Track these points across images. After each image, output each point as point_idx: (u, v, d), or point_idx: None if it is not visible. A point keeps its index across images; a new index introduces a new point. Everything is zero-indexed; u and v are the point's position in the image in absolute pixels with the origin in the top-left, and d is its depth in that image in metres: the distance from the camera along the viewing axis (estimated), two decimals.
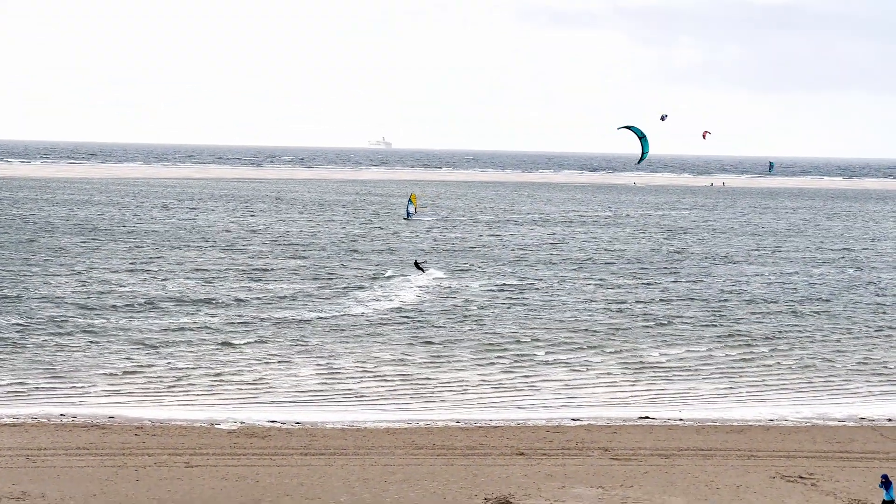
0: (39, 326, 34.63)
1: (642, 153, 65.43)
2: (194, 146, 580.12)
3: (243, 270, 53.58)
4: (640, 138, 63.68)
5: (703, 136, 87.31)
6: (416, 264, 55.24)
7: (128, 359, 30.11)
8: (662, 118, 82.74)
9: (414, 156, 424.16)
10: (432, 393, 27.66)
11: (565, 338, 35.57)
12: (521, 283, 51.21)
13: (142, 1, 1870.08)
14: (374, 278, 51.90)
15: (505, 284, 50.45)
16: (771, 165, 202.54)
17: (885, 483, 15.51)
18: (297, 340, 33.85)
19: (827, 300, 47.15)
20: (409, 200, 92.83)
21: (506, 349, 33.36)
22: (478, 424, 23.32)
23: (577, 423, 23.70)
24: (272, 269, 54.27)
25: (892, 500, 15.36)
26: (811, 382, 29.91)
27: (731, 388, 28.92)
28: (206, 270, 53.03)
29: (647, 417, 24.35)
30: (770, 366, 32.00)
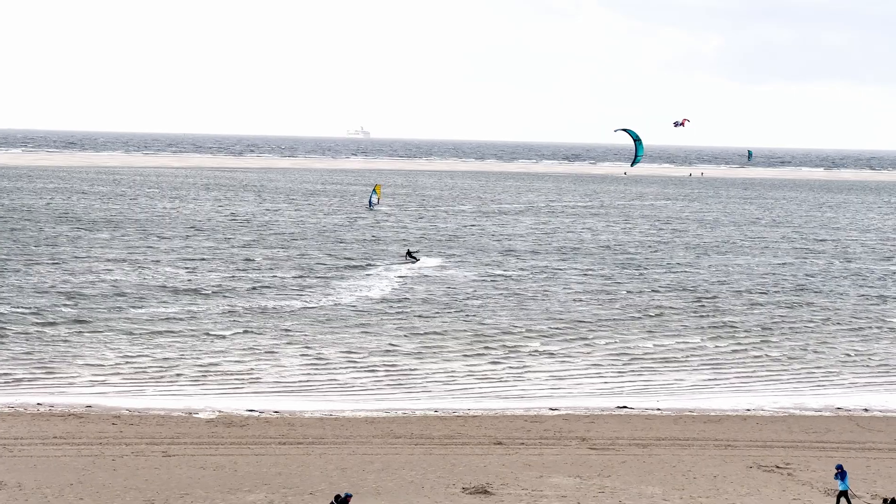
0: (23, 316, 34.31)
1: (636, 155, 65.83)
2: (174, 135, 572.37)
3: (228, 260, 53.23)
4: (634, 141, 64.01)
5: (683, 124, 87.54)
6: (409, 253, 55.37)
7: (110, 348, 29.98)
8: (675, 125, 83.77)
9: (393, 145, 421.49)
10: (413, 382, 27.71)
11: (552, 328, 35.73)
12: (509, 272, 51.36)
13: None
14: (361, 268, 51.80)
15: (493, 274, 50.57)
16: (749, 154, 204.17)
17: (840, 473, 15.71)
18: (282, 330, 33.79)
19: (815, 292, 47.49)
20: (373, 190, 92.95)
21: (492, 339, 33.47)
22: (456, 414, 23.36)
23: (555, 412, 23.79)
24: (257, 259, 53.97)
25: (847, 490, 15.57)
26: (794, 373, 30.20)
27: (713, 378, 29.16)
28: (191, 260, 52.74)
29: (626, 407, 24.50)
30: (758, 357, 32.21)
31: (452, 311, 39.09)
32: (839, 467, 15.85)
